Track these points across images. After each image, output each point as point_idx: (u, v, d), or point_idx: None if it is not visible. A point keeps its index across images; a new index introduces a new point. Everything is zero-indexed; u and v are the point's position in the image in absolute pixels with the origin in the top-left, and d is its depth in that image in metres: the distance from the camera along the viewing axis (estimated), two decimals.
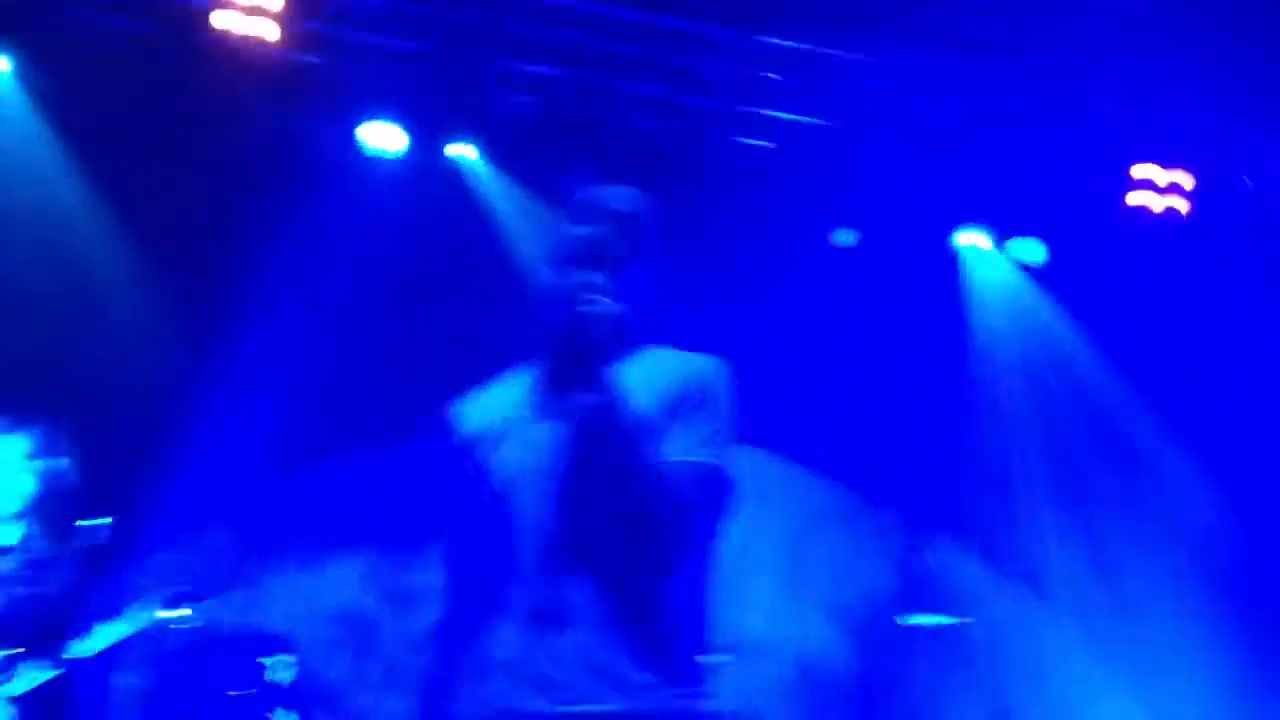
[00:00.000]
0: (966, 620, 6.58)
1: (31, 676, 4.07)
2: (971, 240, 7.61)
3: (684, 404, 2.63)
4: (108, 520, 4.48)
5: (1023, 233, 7.53)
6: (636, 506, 2.53)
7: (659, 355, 2.69)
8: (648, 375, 2.61)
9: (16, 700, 4.09)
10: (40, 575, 4.38)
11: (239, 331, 6.78)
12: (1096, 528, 7.62)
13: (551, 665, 2.50)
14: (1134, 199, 7.31)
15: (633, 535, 2.55)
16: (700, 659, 2.64)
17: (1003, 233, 7.61)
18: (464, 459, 2.69)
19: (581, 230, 2.67)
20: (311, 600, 6.81)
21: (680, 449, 2.58)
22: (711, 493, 2.60)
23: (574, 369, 2.56)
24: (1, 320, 6.48)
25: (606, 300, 2.57)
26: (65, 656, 4.13)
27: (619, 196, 2.74)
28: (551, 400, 2.66)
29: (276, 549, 4.75)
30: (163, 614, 4.29)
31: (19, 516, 4.41)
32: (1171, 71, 6.63)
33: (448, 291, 7.07)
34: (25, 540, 4.41)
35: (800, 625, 7.38)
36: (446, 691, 2.60)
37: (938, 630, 6.55)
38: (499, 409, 2.71)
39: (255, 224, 6.86)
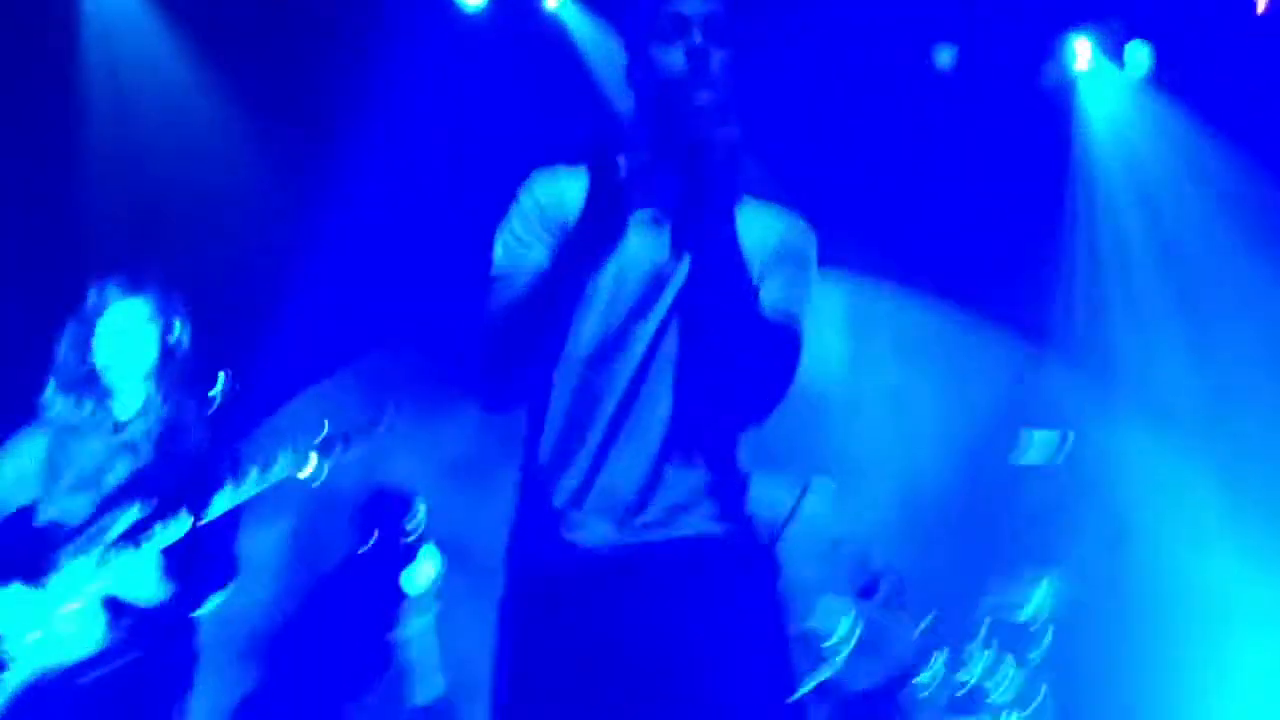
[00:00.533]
0: (1073, 444, 6.50)
1: (166, 535, 4.22)
2: (1081, 49, 7.33)
3: (776, 264, 2.59)
4: (225, 377, 4.58)
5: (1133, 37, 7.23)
6: (737, 361, 2.48)
7: (748, 206, 2.59)
8: (743, 226, 2.48)
9: (154, 559, 4.25)
10: (169, 436, 4.52)
11: (340, 195, 6.84)
12: (1221, 356, 7.41)
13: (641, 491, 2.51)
14: None
15: (729, 392, 2.53)
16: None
17: (1115, 40, 7.32)
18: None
19: (691, 5, 2.50)
20: (431, 451, 6.94)
21: (772, 309, 2.53)
22: (792, 361, 2.56)
23: (689, 205, 2.40)
24: (111, 181, 6.59)
25: (732, 124, 2.36)
26: (197, 516, 4.27)
27: None
28: (651, 227, 2.57)
29: (393, 400, 4.82)
30: (289, 471, 4.39)
31: (144, 379, 4.54)
32: None
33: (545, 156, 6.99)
34: (151, 402, 4.55)
35: (906, 453, 7.37)
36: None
37: (1050, 463, 6.49)
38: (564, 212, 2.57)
39: (351, 87, 6.87)
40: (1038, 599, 6.29)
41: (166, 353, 4.56)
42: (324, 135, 6.84)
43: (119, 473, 4.41)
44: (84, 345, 4.50)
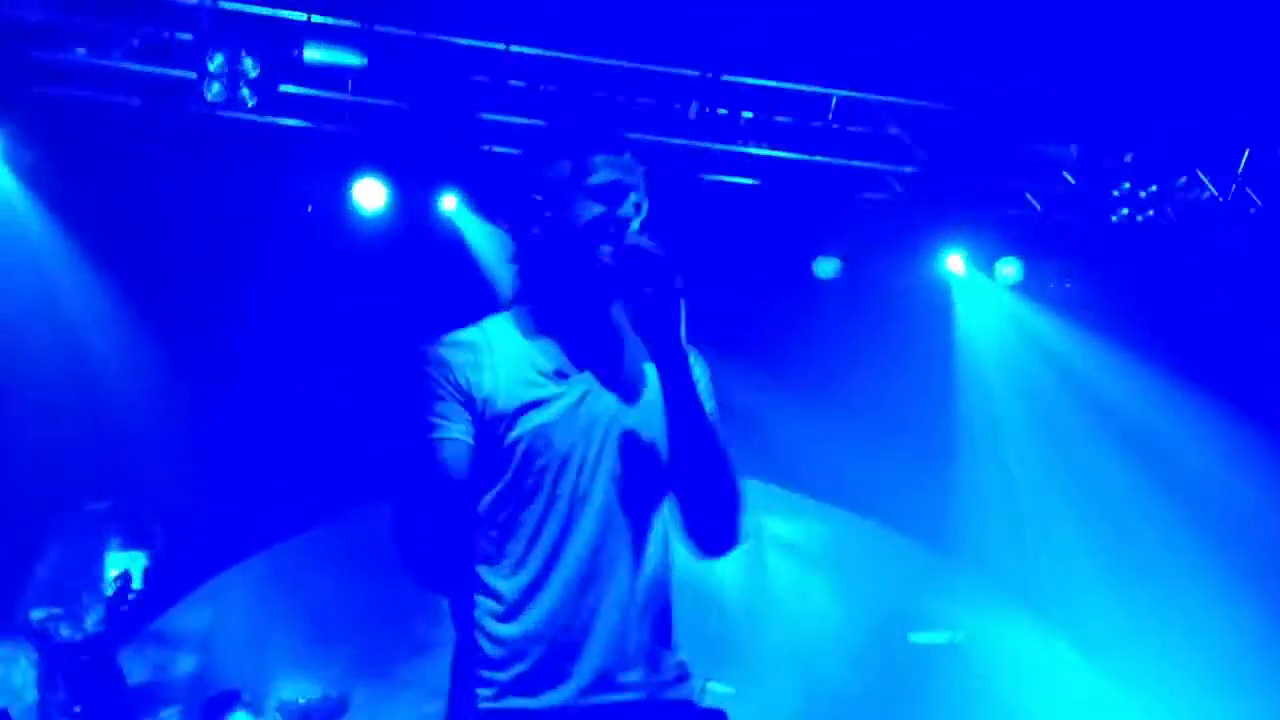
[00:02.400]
0: (970, 637, 6.60)
1: None
2: (954, 264, 7.67)
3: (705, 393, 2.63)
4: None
5: (1004, 253, 7.61)
6: (713, 484, 2.53)
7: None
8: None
9: None
10: None
11: (239, 395, 6.89)
12: (1112, 534, 7.62)
13: (587, 639, 2.48)
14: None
15: (692, 506, 2.56)
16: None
17: (986, 255, 7.68)
18: (492, 426, 2.53)
19: (608, 175, 2.59)
20: None
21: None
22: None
23: (645, 314, 2.48)
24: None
25: (656, 245, 2.49)
26: None
27: (628, 160, 2.64)
28: (603, 354, 2.62)
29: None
30: None
31: None
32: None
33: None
34: None
35: (805, 655, 7.41)
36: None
37: (946, 648, 6.58)
38: (520, 370, 2.58)
39: (247, 288, 6.98)
40: None
41: None
42: (217, 341, 6.94)
43: None
44: None
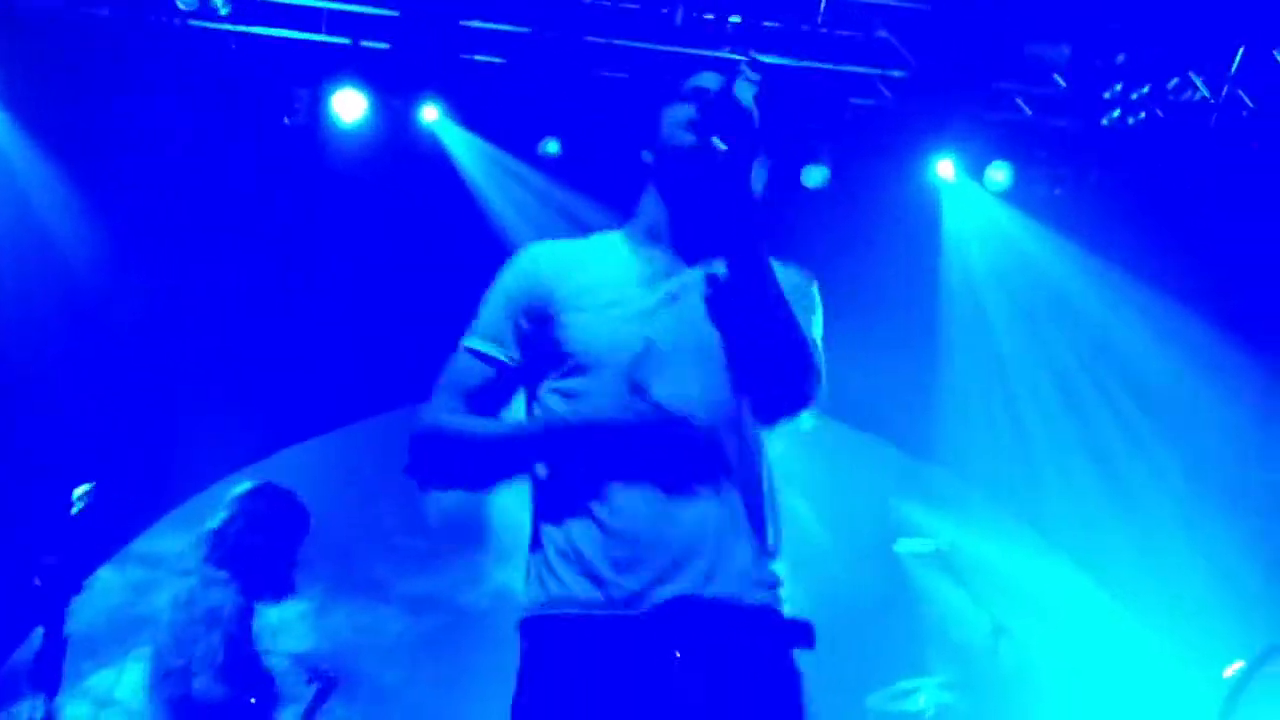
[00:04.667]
0: (953, 546, 6.63)
1: None
2: (944, 170, 7.57)
3: (794, 294, 2.66)
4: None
5: (994, 157, 7.50)
6: (780, 345, 2.54)
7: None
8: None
9: None
10: None
11: (220, 319, 6.85)
12: (1101, 456, 7.64)
13: (678, 541, 2.48)
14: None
15: (769, 399, 2.57)
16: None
17: (976, 160, 7.57)
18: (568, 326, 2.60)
19: (695, 83, 2.70)
20: None
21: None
22: (818, 383, 2.62)
23: (722, 213, 2.54)
24: None
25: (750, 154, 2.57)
26: None
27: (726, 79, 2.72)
28: (687, 257, 2.66)
29: None
30: None
31: None
32: None
33: (430, 260, 7.07)
34: None
35: (795, 558, 7.44)
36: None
37: (933, 555, 6.61)
38: (614, 275, 2.66)
39: (228, 207, 6.89)
40: (922, 696, 6.37)
41: None
42: (199, 267, 6.89)
43: None
44: None
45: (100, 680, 6.72)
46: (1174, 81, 7.20)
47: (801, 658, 2.60)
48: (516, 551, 2.71)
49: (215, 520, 4.94)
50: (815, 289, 2.81)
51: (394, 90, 6.89)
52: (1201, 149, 7.40)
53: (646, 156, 2.75)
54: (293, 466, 7.12)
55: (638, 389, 2.52)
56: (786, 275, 2.70)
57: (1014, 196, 7.61)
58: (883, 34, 7.02)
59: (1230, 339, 7.39)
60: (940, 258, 7.77)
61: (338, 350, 7.05)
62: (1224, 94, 7.27)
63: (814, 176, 7.37)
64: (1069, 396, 7.70)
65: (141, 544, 7.01)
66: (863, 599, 7.46)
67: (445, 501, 6.55)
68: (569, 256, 2.73)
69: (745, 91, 2.65)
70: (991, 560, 7.51)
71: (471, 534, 7.11)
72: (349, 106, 6.79)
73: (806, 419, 2.64)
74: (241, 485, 5.09)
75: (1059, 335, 7.72)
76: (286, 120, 6.79)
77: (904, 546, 6.83)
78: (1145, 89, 7.17)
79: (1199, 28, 6.94)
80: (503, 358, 2.66)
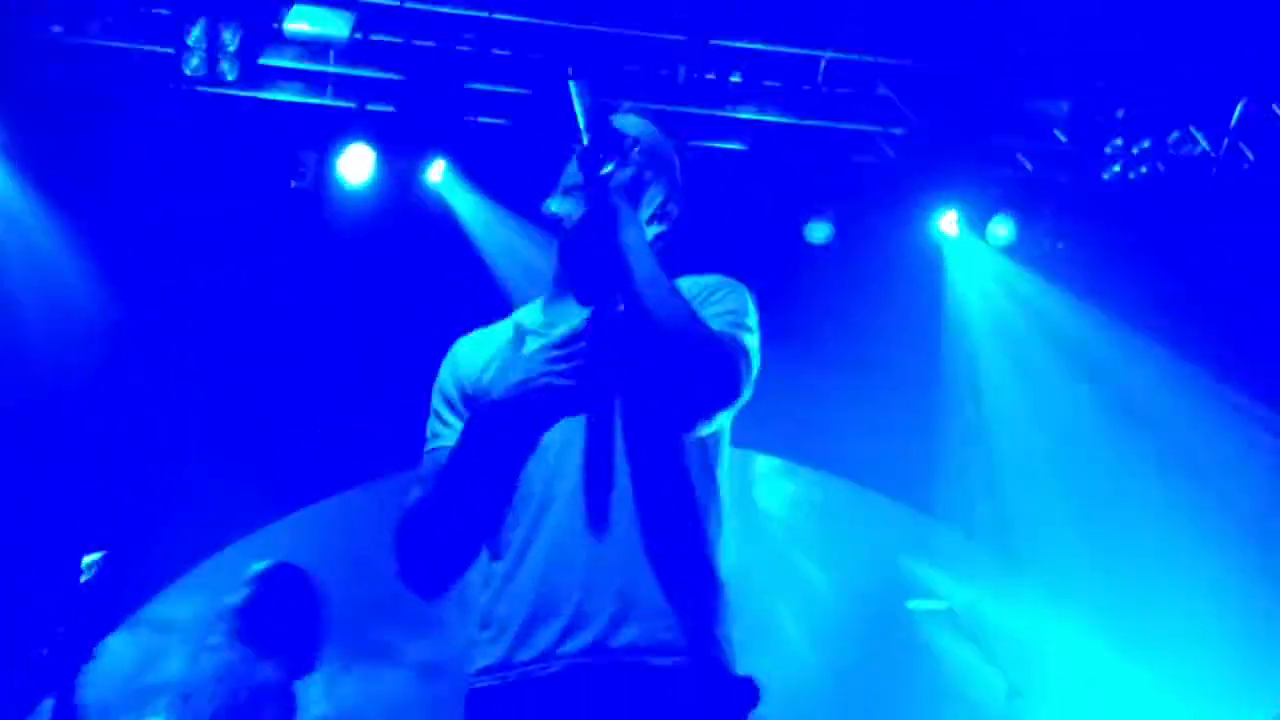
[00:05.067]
0: (963, 604, 6.59)
1: None
2: (947, 225, 7.58)
3: (702, 294, 2.59)
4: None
5: (996, 212, 7.52)
6: (667, 359, 2.38)
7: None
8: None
9: None
10: None
11: (227, 383, 6.86)
12: (1099, 502, 7.60)
13: (581, 593, 2.36)
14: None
15: (662, 396, 2.41)
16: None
17: (979, 215, 7.59)
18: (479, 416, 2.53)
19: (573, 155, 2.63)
20: None
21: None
22: (726, 367, 2.44)
23: (597, 236, 2.50)
24: None
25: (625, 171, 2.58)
26: None
27: (629, 122, 2.72)
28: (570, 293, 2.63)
29: None
30: None
31: None
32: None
33: (436, 321, 7.08)
34: None
35: (797, 624, 7.40)
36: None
37: (946, 614, 6.55)
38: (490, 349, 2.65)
39: (234, 270, 6.92)
40: None
41: None
42: (208, 316, 6.90)
43: None
44: None
45: None
46: (1174, 135, 7.24)
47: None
48: None
49: (237, 597, 4.94)
50: (726, 282, 2.66)
51: (400, 152, 6.93)
52: (1202, 202, 7.43)
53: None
54: (301, 530, 7.11)
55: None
56: (697, 281, 2.65)
57: (1017, 251, 7.63)
58: (883, 91, 7.08)
59: (1235, 391, 7.38)
60: (943, 312, 7.78)
61: (344, 412, 7.05)
62: (1224, 147, 7.31)
63: (818, 233, 7.39)
64: (1072, 451, 7.67)
65: (152, 610, 6.98)
66: (875, 659, 7.40)
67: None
68: (481, 335, 2.75)
69: (611, 128, 2.60)
70: (1004, 620, 7.46)
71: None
72: (355, 169, 6.83)
73: (724, 417, 2.50)
74: (259, 564, 5.10)
75: (1062, 389, 7.71)
76: (293, 184, 6.83)
77: (917, 605, 6.79)
78: (1146, 143, 7.21)
79: (1198, 82, 7.00)
80: (447, 444, 2.58)
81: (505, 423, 2.48)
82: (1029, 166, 7.51)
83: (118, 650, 6.67)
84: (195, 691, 4.79)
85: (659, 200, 2.73)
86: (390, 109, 6.81)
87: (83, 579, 4.30)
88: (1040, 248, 7.67)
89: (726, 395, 2.45)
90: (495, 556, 2.50)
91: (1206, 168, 7.35)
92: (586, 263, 2.60)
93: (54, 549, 5.64)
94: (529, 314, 2.73)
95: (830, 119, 7.11)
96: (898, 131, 7.23)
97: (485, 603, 2.47)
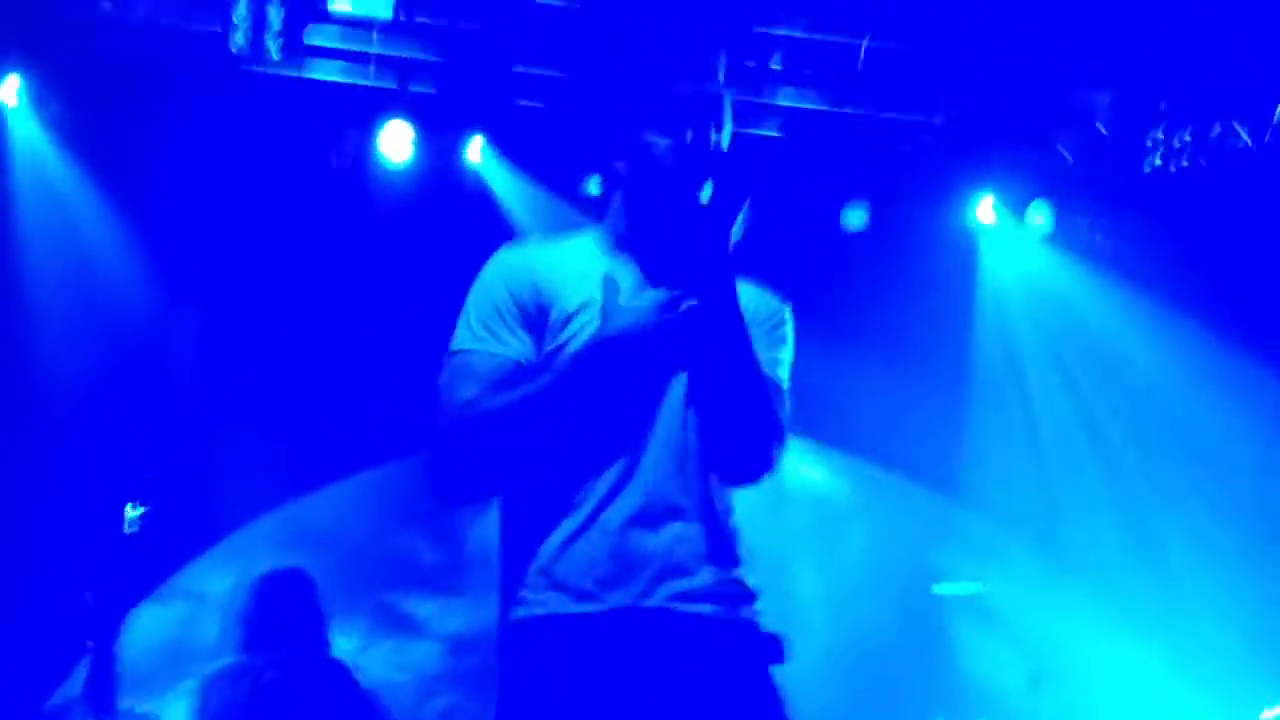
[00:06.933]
0: (992, 589, 6.61)
1: None
2: (984, 212, 7.56)
3: (761, 330, 2.61)
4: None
5: (1034, 199, 7.49)
6: (743, 409, 2.48)
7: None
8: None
9: None
10: None
11: (267, 356, 6.95)
12: (1131, 496, 7.59)
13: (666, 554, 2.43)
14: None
15: (733, 437, 2.51)
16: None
17: (1017, 201, 7.56)
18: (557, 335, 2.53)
19: (697, 130, 2.58)
20: None
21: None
22: (779, 443, 2.57)
23: (699, 247, 2.45)
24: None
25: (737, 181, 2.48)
26: None
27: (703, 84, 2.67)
28: (652, 278, 2.58)
29: None
30: None
31: None
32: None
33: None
34: None
35: (830, 608, 7.43)
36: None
37: (970, 598, 6.59)
38: (584, 286, 2.57)
39: (273, 243, 7.00)
40: None
41: None
42: (249, 291, 6.98)
43: None
44: None
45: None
46: (1216, 129, 7.20)
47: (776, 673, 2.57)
48: None
49: (244, 604, 4.98)
50: (788, 314, 2.72)
51: (440, 131, 6.98)
52: (1243, 195, 7.38)
53: (620, 167, 2.66)
54: (332, 503, 7.20)
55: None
56: (759, 301, 2.67)
57: (1054, 241, 7.61)
58: (923, 81, 7.06)
59: (1274, 385, 7.35)
60: (980, 301, 7.78)
61: (382, 386, 7.12)
62: (1266, 140, 7.26)
63: (854, 219, 7.40)
64: (1102, 443, 7.66)
65: (184, 579, 7.09)
66: (899, 643, 7.43)
67: (483, 538, 6.60)
68: (550, 256, 2.67)
69: (728, 134, 2.63)
70: (1029, 605, 7.47)
71: None
72: (397, 149, 6.89)
73: (765, 480, 2.60)
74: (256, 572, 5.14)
75: (1094, 381, 7.70)
76: (334, 162, 6.90)
77: (943, 588, 6.81)
78: (1187, 136, 7.17)
79: (1241, 75, 6.95)
80: (512, 354, 2.55)
81: (616, 364, 2.47)
82: (1069, 157, 7.48)
83: (151, 618, 6.79)
84: (203, 652, 4.84)
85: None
86: (431, 90, 6.86)
87: (126, 529, 4.38)
88: (1078, 238, 7.65)
89: (772, 470, 2.59)
90: (567, 502, 2.49)
91: (1248, 161, 7.31)
92: (670, 263, 2.56)
93: (88, 513, 5.75)
94: (602, 259, 2.65)
95: (869, 108, 7.11)
96: (937, 120, 7.22)
97: (558, 542, 2.46)
